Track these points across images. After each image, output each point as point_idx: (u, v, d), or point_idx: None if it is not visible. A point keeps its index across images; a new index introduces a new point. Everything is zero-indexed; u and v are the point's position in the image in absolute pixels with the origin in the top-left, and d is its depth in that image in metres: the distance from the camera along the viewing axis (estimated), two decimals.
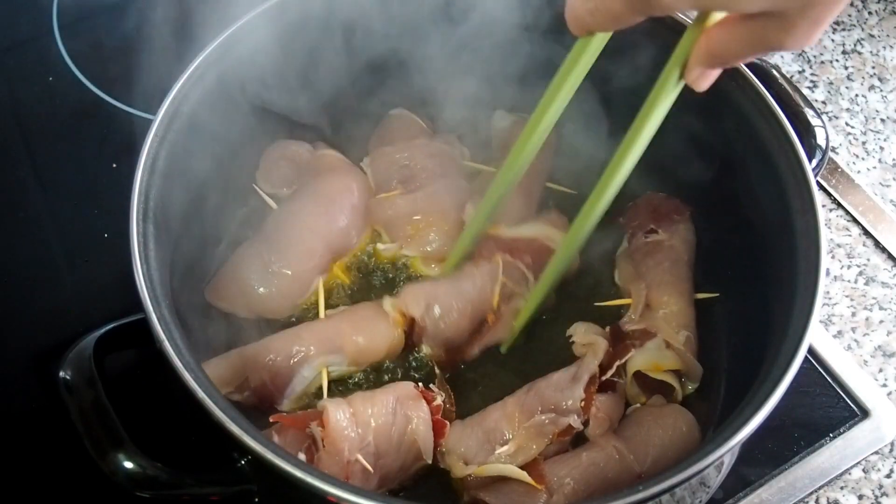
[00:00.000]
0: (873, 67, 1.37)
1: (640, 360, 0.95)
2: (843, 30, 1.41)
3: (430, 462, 0.89)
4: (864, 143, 1.29)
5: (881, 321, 1.13)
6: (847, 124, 1.31)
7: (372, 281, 1.06)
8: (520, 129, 1.11)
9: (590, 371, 0.92)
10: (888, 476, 1.01)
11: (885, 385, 1.08)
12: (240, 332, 1.00)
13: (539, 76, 1.07)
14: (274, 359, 0.92)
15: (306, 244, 1.02)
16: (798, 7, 0.61)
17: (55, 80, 1.25)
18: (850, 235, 1.20)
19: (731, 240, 1.02)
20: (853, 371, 1.06)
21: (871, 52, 1.38)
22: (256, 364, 0.92)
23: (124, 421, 0.75)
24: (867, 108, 1.32)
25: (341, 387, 0.97)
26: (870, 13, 1.43)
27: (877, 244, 1.19)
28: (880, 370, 1.09)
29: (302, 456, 0.84)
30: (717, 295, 1.03)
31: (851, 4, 1.43)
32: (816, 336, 1.08)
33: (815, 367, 1.06)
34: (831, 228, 1.20)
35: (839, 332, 1.12)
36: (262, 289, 0.99)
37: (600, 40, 0.79)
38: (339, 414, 0.85)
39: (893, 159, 1.28)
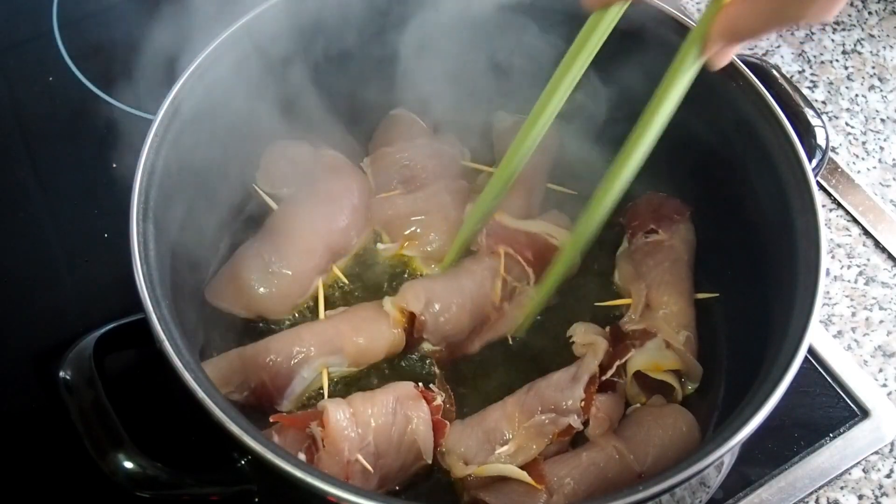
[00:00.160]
0: (873, 67, 1.37)
1: (640, 360, 0.95)
2: (843, 30, 1.41)
3: (430, 462, 0.89)
4: (864, 143, 1.29)
5: (881, 321, 1.13)
6: (847, 124, 1.31)
7: (372, 281, 1.06)
8: (520, 129, 1.12)
9: (590, 371, 0.92)
10: (888, 476, 1.01)
11: (885, 385, 1.08)
12: (240, 332, 1.00)
13: (540, 77, 1.08)
14: (274, 359, 0.92)
15: (306, 244, 1.02)
16: None
17: (55, 80, 1.25)
18: (850, 235, 1.20)
19: (731, 240, 1.02)
20: (853, 371, 1.06)
21: (871, 52, 1.38)
22: (256, 364, 0.92)
23: (124, 421, 0.75)
24: (867, 108, 1.32)
25: (341, 387, 0.97)
26: (870, 13, 1.43)
27: (877, 244, 1.19)
28: (880, 370, 1.09)
29: (302, 456, 0.84)
30: (717, 295, 1.03)
31: (851, 4, 1.43)
32: (816, 336, 1.08)
33: (815, 367, 1.06)
34: (831, 228, 1.20)
35: (839, 332, 1.12)
36: (262, 289, 0.99)
37: (609, 21, 0.78)
38: (339, 414, 0.85)
39: (893, 159, 1.28)
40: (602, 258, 1.09)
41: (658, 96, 0.78)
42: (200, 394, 0.73)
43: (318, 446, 0.85)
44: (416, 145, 1.11)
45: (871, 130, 1.30)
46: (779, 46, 1.37)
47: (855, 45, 1.39)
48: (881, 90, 1.34)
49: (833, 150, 1.27)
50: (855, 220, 1.21)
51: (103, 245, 1.10)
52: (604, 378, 0.94)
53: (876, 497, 1.00)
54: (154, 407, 0.89)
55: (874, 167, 1.27)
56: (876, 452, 1.02)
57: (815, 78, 1.35)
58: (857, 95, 1.34)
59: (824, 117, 1.22)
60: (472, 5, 1.04)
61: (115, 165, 1.16)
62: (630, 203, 1.09)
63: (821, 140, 0.97)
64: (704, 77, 0.95)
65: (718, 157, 1.01)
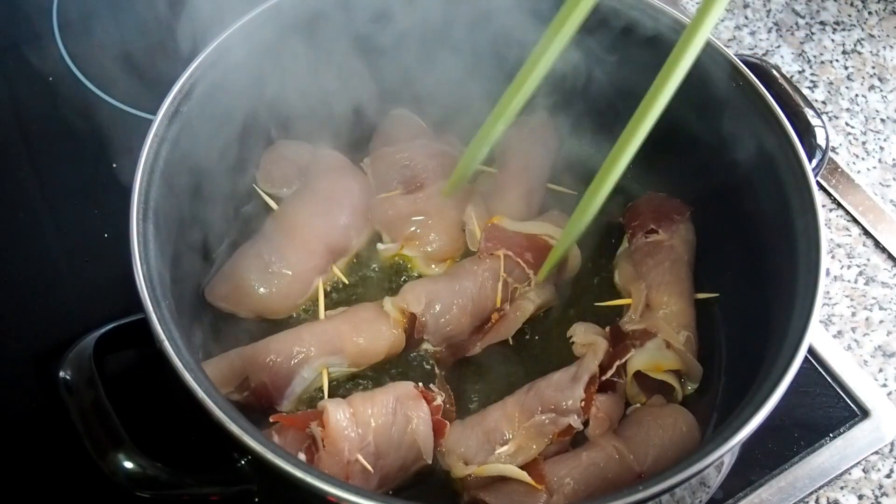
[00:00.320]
0: (873, 67, 1.37)
1: (640, 360, 0.95)
2: (843, 30, 1.41)
3: (430, 462, 0.89)
4: (864, 143, 1.29)
5: (881, 321, 1.13)
6: (847, 124, 1.31)
7: (372, 281, 1.06)
8: (520, 130, 1.12)
9: (590, 371, 0.92)
10: (888, 476, 1.01)
11: (885, 385, 1.08)
12: (240, 332, 1.00)
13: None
14: (274, 359, 0.92)
15: (306, 244, 1.02)
16: None
17: (55, 80, 1.25)
18: (850, 235, 1.20)
19: (731, 240, 1.02)
20: (853, 371, 1.06)
21: (871, 52, 1.38)
22: (256, 364, 0.92)
23: (124, 421, 0.75)
24: (867, 108, 1.32)
25: (341, 387, 0.97)
26: (870, 13, 1.43)
27: (877, 244, 1.19)
28: (880, 370, 1.09)
29: (302, 456, 0.84)
30: (717, 295, 1.03)
31: (851, 4, 1.44)
32: (816, 336, 1.08)
33: (815, 367, 1.06)
34: (831, 228, 1.20)
35: (839, 332, 1.12)
36: (262, 289, 0.99)
37: None
38: (339, 414, 0.85)
39: (893, 159, 1.28)
40: (602, 258, 1.09)
41: (654, 88, 0.79)
42: (200, 394, 0.73)
43: (318, 446, 0.85)
44: (416, 145, 1.10)
45: (871, 130, 1.30)
46: (779, 46, 1.38)
47: (855, 45, 1.39)
48: (881, 90, 1.34)
49: (833, 150, 1.27)
50: (855, 220, 1.21)
51: (103, 245, 1.10)
52: (604, 378, 0.94)
53: (876, 497, 1.00)
54: (154, 407, 0.89)
55: (874, 167, 1.27)
56: (876, 452, 1.02)
57: (815, 78, 1.35)
58: (857, 95, 1.34)
59: (824, 117, 1.22)
60: (473, 5, 1.04)
61: (115, 165, 1.16)
62: (630, 203, 1.09)
63: (821, 140, 0.97)
64: (704, 77, 0.96)
65: (718, 157, 1.00)
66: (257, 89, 1.00)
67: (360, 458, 0.84)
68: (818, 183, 0.90)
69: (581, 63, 1.03)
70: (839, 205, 1.22)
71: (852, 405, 1.03)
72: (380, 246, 1.07)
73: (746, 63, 0.96)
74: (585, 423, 0.91)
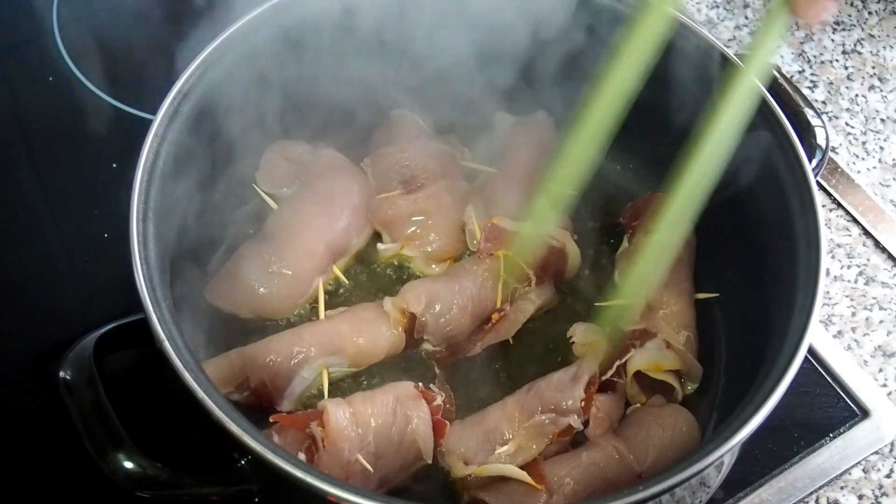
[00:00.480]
0: (873, 67, 1.37)
1: (640, 360, 0.95)
2: (843, 30, 1.41)
3: (430, 462, 0.89)
4: (864, 143, 1.29)
5: (881, 321, 1.13)
6: (847, 124, 1.31)
7: (372, 281, 1.06)
8: (520, 130, 1.12)
9: (590, 371, 0.92)
10: (888, 476, 1.01)
11: (885, 385, 1.08)
12: (240, 332, 1.00)
13: (541, 77, 1.08)
14: (274, 359, 0.92)
15: (306, 244, 1.02)
16: None
17: (55, 80, 1.25)
18: (850, 235, 1.20)
19: (731, 240, 1.02)
20: (853, 371, 1.06)
21: (871, 52, 1.38)
22: (256, 364, 0.92)
23: (124, 421, 0.75)
24: (867, 108, 1.32)
25: (341, 387, 0.97)
26: (870, 13, 1.43)
27: (877, 244, 1.19)
28: (880, 370, 1.09)
29: (302, 456, 0.84)
30: (717, 295, 1.03)
31: (851, 4, 1.43)
32: (816, 336, 1.08)
33: (815, 367, 1.06)
34: (831, 228, 1.20)
35: (839, 332, 1.12)
36: (262, 289, 0.99)
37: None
38: (339, 414, 0.85)
39: (893, 159, 1.28)
40: (602, 258, 1.09)
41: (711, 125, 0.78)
42: (200, 394, 0.73)
43: (318, 446, 0.85)
44: (416, 145, 1.10)
45: (871, 130, 1.30)
46: (779, 46, 1.37)
47: (855, 45, 1.39)
48: (881, 90, 1.34)
49: (833, 150, 1.27)
50: (855, 220, 1.21)
51: (103, 245, 1.10)
52: (604, 378, 0.94)
53: (876, 497, 1.00)
54: (154, 407, 0.89)
55: (874, 167, 1.27)
56: (876, 452, 1.02)
57: (815, 78, 1.35)
58: (857, 95, 1.34)
59: (824, 117, 1.22)
60: (473, 5, 1.04)
61: (115, 165, 1.16)
62: (630, 203, 1.09)
63: (821, 140, 0.97)
64: (704, 77, 0.96)
65: None
66: (257, 89, 1.00)
67: (360, 458, 0.84)
68: (818, 183, 0.90)
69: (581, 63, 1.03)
70: (839, 205, 1.22)
71: (852, 405, 1.03)
72: (380, 246, 1.07)
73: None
74: (585, 423, 0.91)
